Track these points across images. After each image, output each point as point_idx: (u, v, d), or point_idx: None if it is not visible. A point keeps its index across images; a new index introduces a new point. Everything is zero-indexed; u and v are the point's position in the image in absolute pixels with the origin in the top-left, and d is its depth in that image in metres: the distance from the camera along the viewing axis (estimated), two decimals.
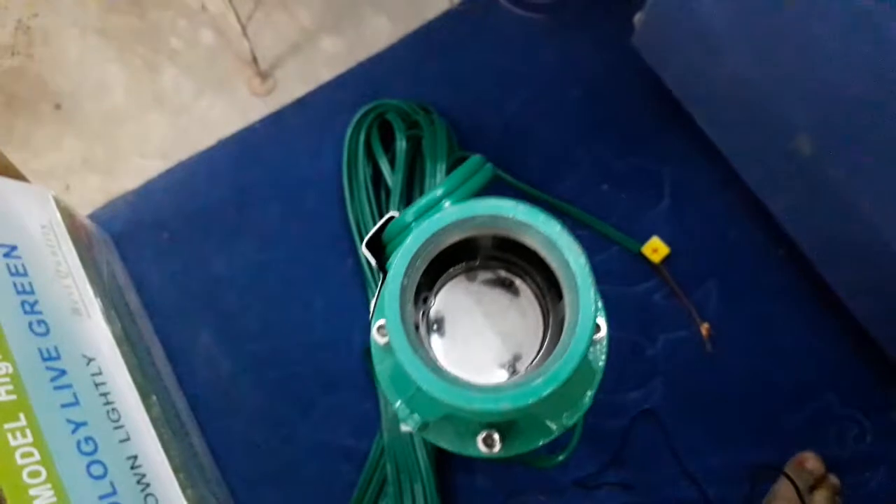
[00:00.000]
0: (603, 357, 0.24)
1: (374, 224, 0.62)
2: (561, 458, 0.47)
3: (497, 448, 0.22)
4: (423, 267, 0.18)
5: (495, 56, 0.68)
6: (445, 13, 0.69)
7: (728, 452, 0.57)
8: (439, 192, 0.27)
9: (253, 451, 0.57)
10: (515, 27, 0.68)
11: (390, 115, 0.63)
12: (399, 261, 0.17)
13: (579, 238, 0.62)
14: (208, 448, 0.57)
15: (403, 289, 0.18)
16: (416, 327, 0.22)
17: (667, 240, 0.62)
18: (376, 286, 0.58)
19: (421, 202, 0.27)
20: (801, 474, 0.54)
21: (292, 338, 0.60)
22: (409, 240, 0.18)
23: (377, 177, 0.62)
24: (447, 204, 0.26)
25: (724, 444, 0.57)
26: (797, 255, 0.59)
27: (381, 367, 0.23)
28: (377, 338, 0.22)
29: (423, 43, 0.69)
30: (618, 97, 0.66)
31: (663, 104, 0.63)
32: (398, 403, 0.22)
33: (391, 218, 0.30)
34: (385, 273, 0.26)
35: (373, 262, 0.28)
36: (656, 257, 0.62)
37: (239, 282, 0.62)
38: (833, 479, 0.54)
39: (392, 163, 0.62)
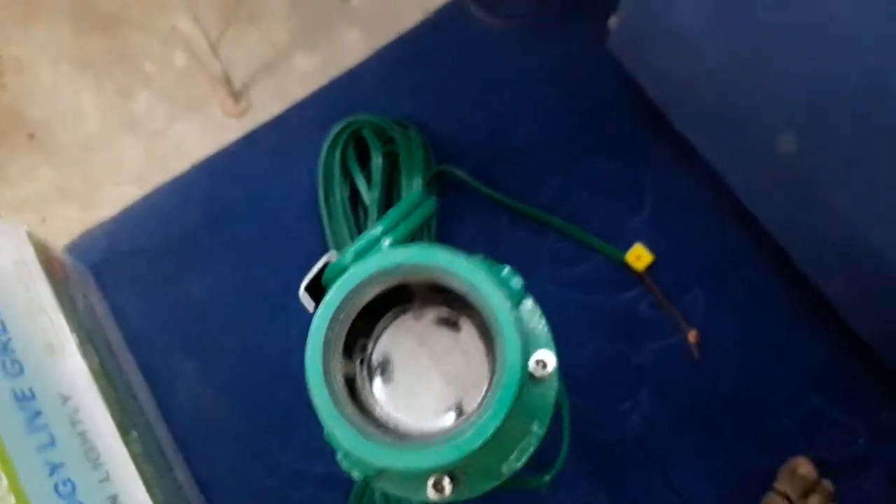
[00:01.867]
0: (553, 392, 0.24)
1: (353, 243, 0.62)
2: (547, 478, 0.47)
3: (448, 492, 0.22)
4: (351, 318, 0.18)
5: (471, 66, 0.68)
6: (419, 25, 0.69)
7: (719, 460, 0.57)
8: (378, 230, 0.27)
9: (238, 482, 0.58)
10: (490, 37, 0.68)
11: (365, 132, 0.63)
12: (320, 316, 0.18)
13: (561, 248, 0.62)
14: (194, 480, 0.58)
15: (327, 342, 0.18)
16: (353, 377, 0.22)
17: (651, 247, 0.62)
18: None
19: (360, 242, 0.27)
20: (793, 480, 0.54)
21: (273, 363, 0.60)
22: (329, 293, 0.18)
23: (355, 195, 0.62)
24: (387, 242, 0.26)
25: (714, 452, 0.57)
26: (783, 258, 0.59)
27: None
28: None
29: (397, 56, 0.69)
30: (597, 104, 0.66)
31: (643, 109, 0.63)
32: (338, 457, 0.22)
33: (328, 263, 0.30)
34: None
35: (311, 308, 0.28)
36: (640, 265, 0.62)
37: (218, 307, 0.62)
38: (826, 484, 0.55)
39: (369, 180, 0.62)
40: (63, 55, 0.72)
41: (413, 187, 0.59)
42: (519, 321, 0.20)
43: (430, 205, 0.34)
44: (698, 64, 0.56)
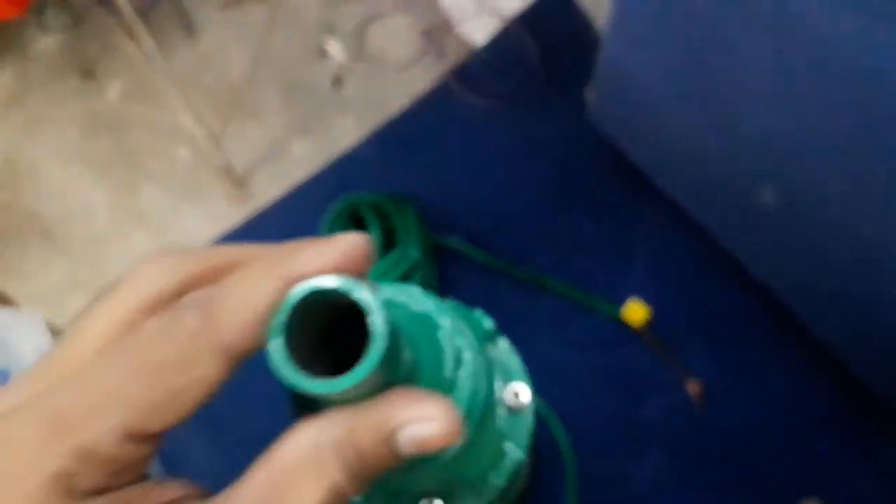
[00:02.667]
0: (529, 421, 0.26)
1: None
2: None
3: None
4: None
5: (460, 143, 0.72)
6: (407, 109, 0.73)
7: None
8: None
9: None
10: (475, 113, 0.73)
11: (362, 209, 0.66)
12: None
13: (559, 309, 0.64)
14: None
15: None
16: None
17: (646, 301, 0.64)
18: None
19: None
20: None
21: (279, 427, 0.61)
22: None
23: None
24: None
25: (724, 502, 0.57)
26: (776, 305, 0.61)
27: None
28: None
29: (388, 137, 0.73)
30: (582, 170, 0.69)
31: (625, 171, 0.67)
32: None
33: None
34: None
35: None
36: (637, 320, 0.63)
37: (231, 388, 0.64)
38: None
39: None
40: (73, 157, 0.77)
41: (411, 257, 0.62)
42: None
43: (410, 260, 0.36)
44: (672, 129, 0.60)
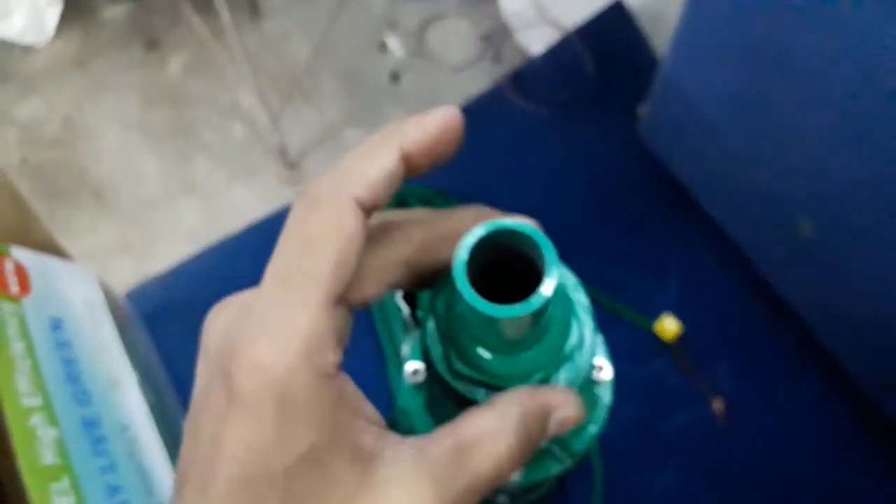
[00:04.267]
0: (608, 398, 0.27)
1: (394, 301, 0.66)
2: None
3: (517, 476, 0.25)
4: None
5: (509, 146, 0.74)
6: (460, 108, 0.75)
7: None
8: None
9: None
10: (527, 121, 0.75)
11: (411, 201, 0.68)
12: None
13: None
14: None
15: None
16: None
17: (679, 318, 0.65)
18: (396, 353, 0.62)
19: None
20: None
21: None
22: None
23: None
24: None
25: None
26: (805, 331, 0.62)
27: (414, 402, 0.26)
28: (409, 378, 0.26)
29: None
30: (625, 183, 0.71)
31: (669, 188, 0.68)
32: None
33: None
34: (418, 323, 0.29)
35: (406, 311, 0.31)
36: (668, 335, 0.65)
37: None
38: None
39: None
40: (130, 123, 0.79)
41: None
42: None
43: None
44: (722, 151, 0.61)
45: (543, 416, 0.20)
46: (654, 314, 0.66)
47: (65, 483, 0.43)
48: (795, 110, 0.52)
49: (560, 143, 0.73)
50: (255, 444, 0.17)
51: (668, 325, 0.65)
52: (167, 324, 0.68)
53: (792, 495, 0.59)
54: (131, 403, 0.52)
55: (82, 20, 0.84)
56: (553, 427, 0.21)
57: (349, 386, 0.19)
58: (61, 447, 0.45)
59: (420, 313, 0.28)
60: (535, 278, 0.20)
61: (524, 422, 0.20)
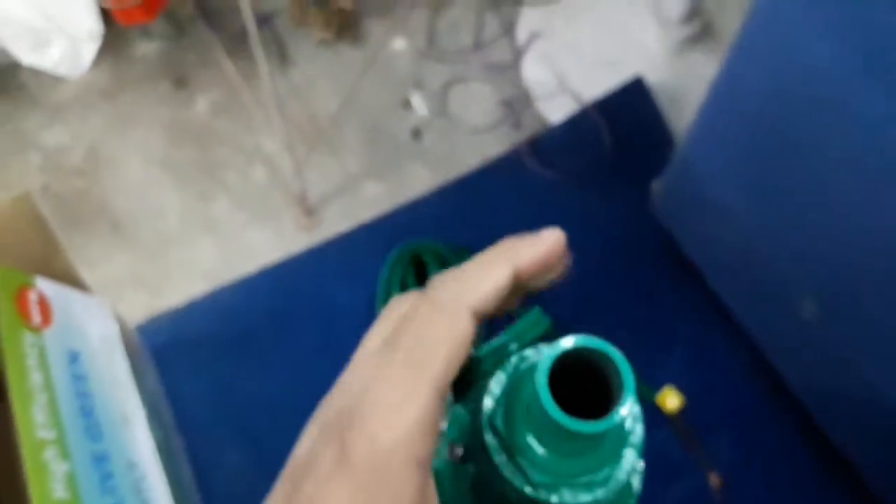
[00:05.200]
0: (638, 486, 0.28)
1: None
2: None
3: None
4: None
5: (522, 210, 0.75)
6: (478, 169, 0.77)
7: None
8: (505, 338, 0.32)
9: None
10: (542, 186, 0.76)
11: (426, 256, 0.70)
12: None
13: None
14: None
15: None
16: None
17: (681, 390, 0.66)
18: None
19: (493, 343, 0.31)
20: None
21: None
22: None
23: None
24: (513, 346, 0.31)
25: None
26: (802, 411, 0.63)
27: (451, 487, 0.27)
28: (449, 456, 0.26)
29: (456, 193, 0.76)
30: (635, 254, 0.73)
31: (678, 263, 0.70)
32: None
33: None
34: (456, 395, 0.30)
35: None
36: (670, 406, 0.66)
37: (269, 404, 0.66)
38: None
39: None
40: (153, 158, 0.80)
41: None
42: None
43: (545, 323, 0.38)
44: (732, 229, 0.63)
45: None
46: (657, 385, 0.67)
47: None
48: (809, 199, 0.54)
49: (573, 210, 0.75)
50: (349, 500, 0.19)
51: (670, 398, 0.66)
52: (176, 358, 0.68)
53: None
54: (139, 440, 0.52)
55: (114, 53, 0.86)
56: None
57: (431, 485, 0.22)
58: (72, 482, 0.44)
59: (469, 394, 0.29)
60: (603, 387, 0.21)
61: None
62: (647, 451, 0.64)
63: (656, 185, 0.69)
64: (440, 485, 0.26)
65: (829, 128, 0.48)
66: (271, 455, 0.66)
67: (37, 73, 0.79)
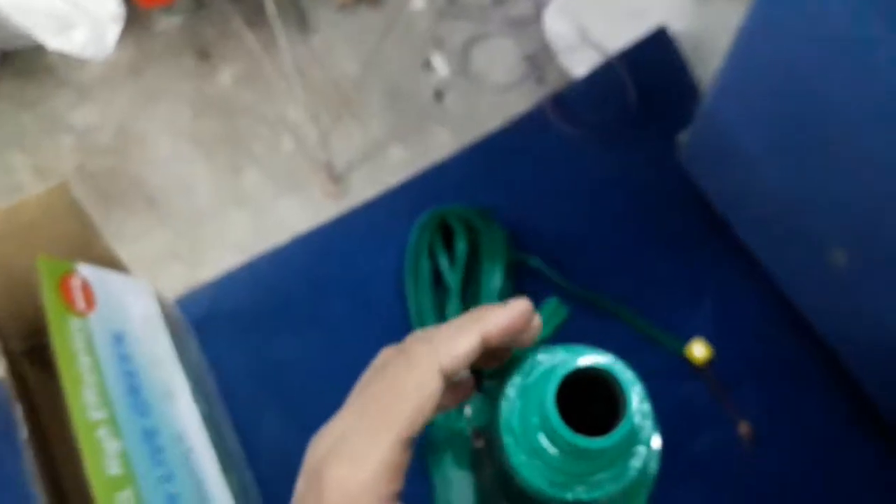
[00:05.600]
0: (655, 467, 0.28)
1: (434, 317, 0.68)
2: None
3: None
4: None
5: (548, 167, 0.75)
6: (502, 129, 0.76)
7: None
8: None
9: None
10: (567, 142, 0.75)
11: (451, 219, 0.70)
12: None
13: (626, 338, 0.68)
14: None
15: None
16: None
17: (710, 342, 0.66)
18: None
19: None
20: None
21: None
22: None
23: (437, 275, 0.68)
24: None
25: None
26: (833, 359, 0.63)
27: (481, 473, 0.28)
28: (475, 442, 0.28)
29: (481, 154, 0.76)
30: (663, 206, 0.72)
31: (707, 215, 0.69)
32: None
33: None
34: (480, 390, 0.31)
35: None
36: (699, 358, 0.66)
37: (305, 369, 0.68)
38: None
39: (451, 263, 0.68)
40: (182, 133, 0.81)
41: (494, 272, 0.65)
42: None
43: (563, 312, 0.39)
44: (760, 181, 0.62)
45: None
46: (686, 337, 0.67)
47: (128, 493, 0.46)
48: (835, 148, 0.53)
49: (599, 165, 0.74)
50: None
51: (698, 350, 0.66)
52: (215, 331, 0.70)
53: None
54: (185, 413, 0.55)
55: (137, 29, 0.87)
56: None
57: None
58: (125, 458, 0.47)
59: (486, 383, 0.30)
60: (609, 398, 0.22)
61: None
62: (676, 402, 0.65)
63: (682, 137, 0.68)
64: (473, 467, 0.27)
65: (856, 76, 0.47)
66: (309, 418, 0.68)
67: (63, 55, 0.80)
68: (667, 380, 0.66)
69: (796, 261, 0.64)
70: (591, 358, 0.23)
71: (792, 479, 0.62)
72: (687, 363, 0.66)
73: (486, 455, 0.27)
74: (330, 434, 0.26)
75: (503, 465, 0.25)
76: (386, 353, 0.26)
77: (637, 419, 0.24)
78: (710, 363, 0.66)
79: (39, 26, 0.69)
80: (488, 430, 0.27)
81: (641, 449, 0.24)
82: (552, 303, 0.34)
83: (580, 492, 0.24)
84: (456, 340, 0.25)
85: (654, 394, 0.69)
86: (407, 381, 0.24)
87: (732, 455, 0.63)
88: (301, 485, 0.26)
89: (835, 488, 0.62)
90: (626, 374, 0.22)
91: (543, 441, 0.24)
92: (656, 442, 0.28)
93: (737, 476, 0.62)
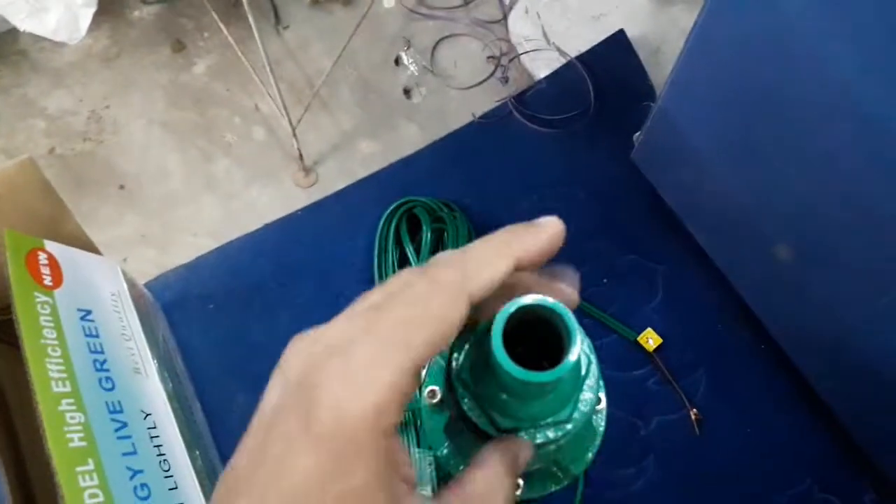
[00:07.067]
0: (603, 424, 0.28)
1: None
2: None
3: (520, 491, 0.26)
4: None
5: (510, 163, 0.75)
6: (468, 125, 0.76)
7: None
8: None
9: None
10: (529, 139, 0.75)
11: (418, 210, 0.69)
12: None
13: (583, 326, 0.68)
14: None
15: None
16: None
17: (660, 331, 0.66)
18: None
19: None
20: None
21: None
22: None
23: (403, 262, 0.68)
24: None
25: None
26: (777, 349, 0.64)
27: (430, 424, 0.27)
28: (427, 400, 0.27)
29: (447, 149, 0.75)
30: (618, 203, 0.72)
31: (659, 210, 0.69)
32: (443, 452, 0.27)
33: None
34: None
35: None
36: (650, 347, 0.66)
37: (276, 352, 0.66)
38: None
39: (417, 251, 0.67)
40: (155, 120, 0.79)
41: None
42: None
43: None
44: (709, 179, 0.62)
45: (516, 465, 0.23)
46: (639, 326, 0.67)
47: (90, 465, 0.44)
48: (780, 149, 0.53)
49: (559, 161, 0.74)
50: (317, 470, 0.18)
51: (651, 338, 0.66)
52: (185, 313, 0.68)
53: (756, 498, 0.61)
54: (151, 390, 0.53)
55: (113, 18, 0.84)
56: (520, 467, 0.23)
57: (398, 445, 0.21)
58: (88, 431, 0.45)
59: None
60: (557, 338, 0.21)
61: (510, 474, 0.22)
62: (629, 387, 0.65)
63: (638, 137, 0.68)
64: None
65: (801, 80, 0.47)
66: None
67: (36, 39, 0.77)
68: (622, 365, 0.66)
69: (743, 255, 0.65)
70: (535, 297, 0.22)
71: (737, 458, 0.63)
72: (640, 351, 0.66)
73: (438, 408, 0.27)
74: (323, 340, 0.21)
75: (457, 415, 0.25)
76: (408, 275, 0.21)
77: (581, 359, 0.23)
78: (661, 350, 0.66)
79: (11, 8, 0.66)
80: (443, 384, 0.26)
81: (587, 395, 0.24)
82: None
83: (530, 436, 0.24)
84: (487, 266, 0.21)
85: (610, 379, 0.69)
86: (431, 304, 0.20)
87: (681, 436, 0.63)
88: (277, 394, 0.21)
89: (777, 470, 0.62)
90: (570, 315, 0.22)
91: (493, 388, 0.23)
92: (602, 402, 0.27)
93: (685, 455, 0.63)
